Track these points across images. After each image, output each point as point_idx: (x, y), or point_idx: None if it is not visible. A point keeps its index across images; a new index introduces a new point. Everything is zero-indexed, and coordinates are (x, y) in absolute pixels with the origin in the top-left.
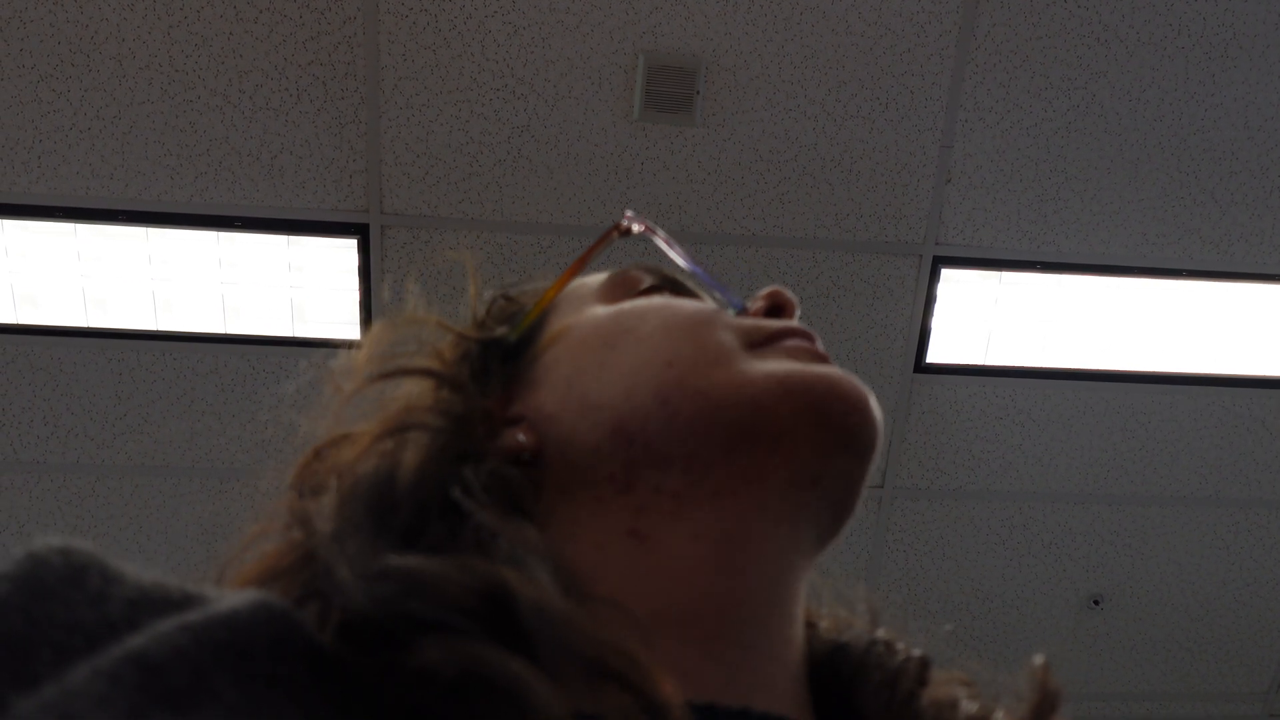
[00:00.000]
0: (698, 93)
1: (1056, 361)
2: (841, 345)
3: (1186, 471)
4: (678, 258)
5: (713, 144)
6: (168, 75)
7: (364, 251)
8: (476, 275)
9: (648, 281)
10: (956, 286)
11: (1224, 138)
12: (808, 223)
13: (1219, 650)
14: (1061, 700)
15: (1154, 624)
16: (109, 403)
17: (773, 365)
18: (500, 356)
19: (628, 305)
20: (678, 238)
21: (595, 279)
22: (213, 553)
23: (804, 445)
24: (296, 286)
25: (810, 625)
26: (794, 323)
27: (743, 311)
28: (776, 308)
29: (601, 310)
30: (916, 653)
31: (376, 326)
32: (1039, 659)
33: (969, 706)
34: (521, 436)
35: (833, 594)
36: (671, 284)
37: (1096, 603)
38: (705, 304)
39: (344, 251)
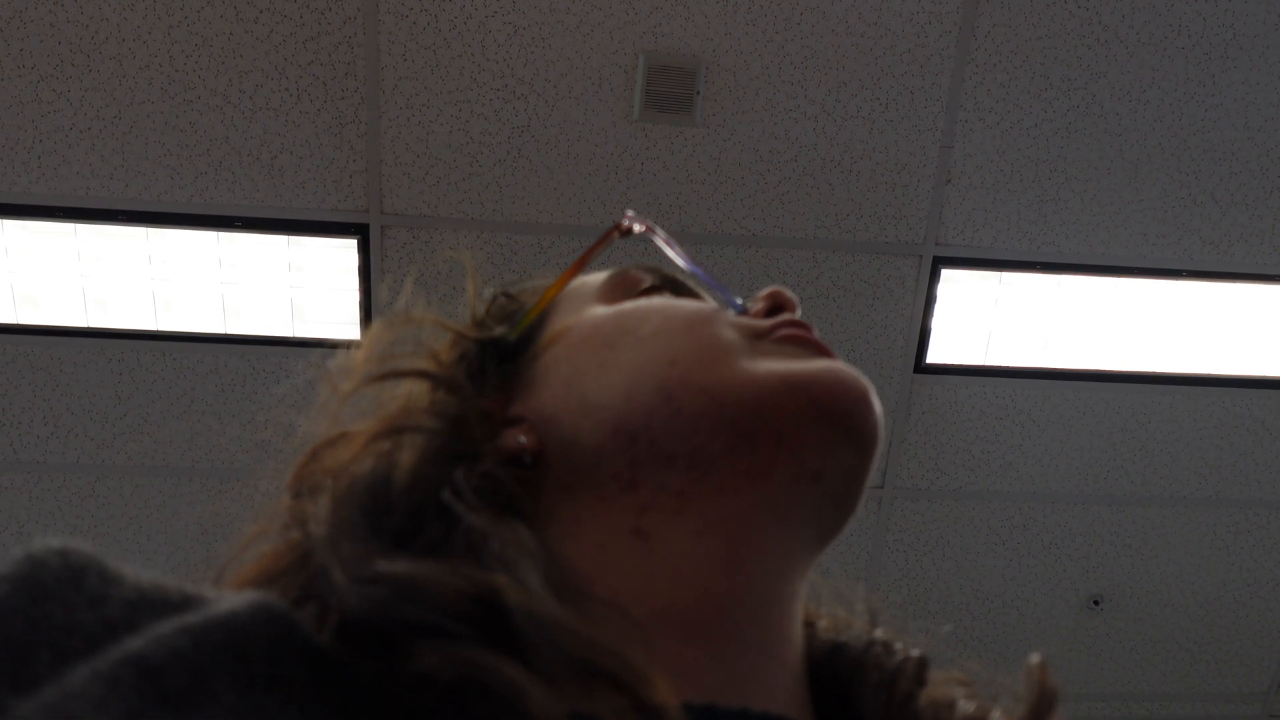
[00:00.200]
0: (698, 93)
1: (1056, 362)
2: (841, 345)
3: (1186, 472)
4: (678, 258)
5: (713, 144)
6: (168, 75)
7: (364, 251)
8: (476, 275)
9: (648, 281)
10: (956, 287)
11: (1224, 138)
12: (808, 223)
13: (1219, 650)
14: (1059, 699)
15: (1154, 624)
16: (109, 403)
17: (776, 362)
18: (499, 356)
19: (628, 305)
20: (678, 238)
21: (595, 279)
22: (212, 553)
23: (807, 441)
24: (296, 286)
25: (809, 625)
26: (790, 315)
27: (743, 312)
28: (777, 308)
29: (602, 310)
30: (915, 653)
31: (375, 326)
32: (1035, 658)
33: (966, 706)
34: (522, 437)
35: (832, 594)
36: (672, 284)
37: (1096, 603)
38: (706, 304)
39: (344, 251)
